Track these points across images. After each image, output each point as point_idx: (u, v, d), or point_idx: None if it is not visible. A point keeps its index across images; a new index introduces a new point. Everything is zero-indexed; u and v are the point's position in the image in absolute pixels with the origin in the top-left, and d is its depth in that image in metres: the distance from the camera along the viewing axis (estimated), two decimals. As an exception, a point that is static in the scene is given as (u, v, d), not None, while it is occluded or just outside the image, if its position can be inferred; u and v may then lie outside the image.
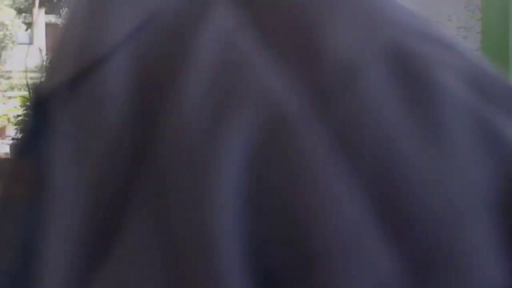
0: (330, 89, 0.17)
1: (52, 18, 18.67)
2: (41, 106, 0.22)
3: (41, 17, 17.18)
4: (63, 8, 13.46)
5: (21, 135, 0.23)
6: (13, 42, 17.79)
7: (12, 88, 14.57)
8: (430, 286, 0.17)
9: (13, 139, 9.63)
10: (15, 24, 18.08)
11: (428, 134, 0.16)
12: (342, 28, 0.18)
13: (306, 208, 0.16)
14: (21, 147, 0.22)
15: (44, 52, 13.39)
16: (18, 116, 9.34)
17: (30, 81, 0.25)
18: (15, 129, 9.58)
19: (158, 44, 0.18)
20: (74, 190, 0.19)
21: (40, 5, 10.00)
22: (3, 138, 10.33)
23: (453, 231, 0.16)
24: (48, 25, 19.94)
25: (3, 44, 17.54)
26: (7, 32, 17.72)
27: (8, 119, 9.86)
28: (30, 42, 10.50)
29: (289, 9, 0.18)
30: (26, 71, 8.64)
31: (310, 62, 0.17)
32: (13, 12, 16.98)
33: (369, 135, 0.16)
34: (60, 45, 0.22)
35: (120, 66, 0.18)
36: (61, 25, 0.25)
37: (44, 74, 0.23)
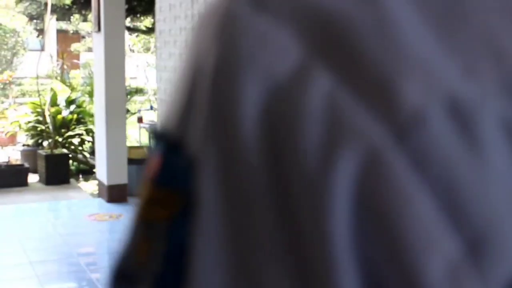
0: (404, 127, 0.24)
1: (63, 25, 18.70)
2: (177, 146, 0.28)
3: (52, 24, 17.25)
4: (74, 15, 13.50)
5: (156, 169, 0.29)
6: (24, 49, 17.88)
7: (23, 95, 14.61)
8: (482, 261, 0.24)
9: (23, 145, 9.66)
10: (27, 31, 18.17)
11: (476, 163, 0.24)
12: (411, 75, 0.24)
13: (401, 224, 0.24)
14: (159, 179, 0.29)
15: (55, 58, 13.43)
16: (29, 122, 9.36)
17: (159, 127, 0.31)
18: (26, 135, 9.60)
19: (278, 102, 0.25)
20: (219, 217, 0.26)
21: (52, 12, 10.04)
22: (14, 145, 10.35)
23: (494, 222, 0.24)
24: (59, 32, 19.99)
25: (14, 51, 17.62)
26: (19, 39, 17.80)
27: (19, 126, 9.87)
28: (42, 49, 10.52)
29: (369, 65, 0.25)
30: (37, 78, 8.67)
31: (388, 104, 0.24)
32: (24, 19, 17.06)
33: (437, 164, 0.24)
34: (189, 93, 0.28)
35: (250, 118, 0.25)
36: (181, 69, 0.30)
37: (172, 118, 0.29)
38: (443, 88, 0.24)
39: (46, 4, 10.71)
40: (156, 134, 0.30)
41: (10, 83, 14.71)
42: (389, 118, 0.24)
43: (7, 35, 17.49)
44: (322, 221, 0.24)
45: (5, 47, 17.39)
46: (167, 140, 0.29)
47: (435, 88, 0.24)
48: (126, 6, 7.20)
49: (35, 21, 17.37)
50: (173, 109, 0.29)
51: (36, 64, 8.46)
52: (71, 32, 18.49)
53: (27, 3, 14.48)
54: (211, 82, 0.27)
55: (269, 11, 0.26)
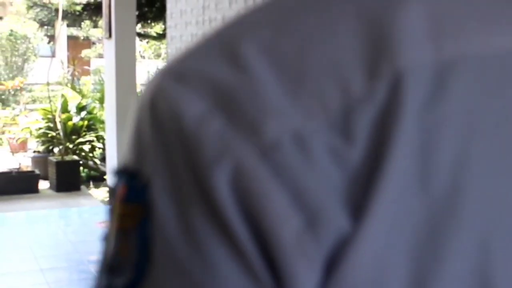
0: (266, 149, 0.38)
1: (74, 31, 18.77)
2: (136, 175, 0.42)
3: (63, 30, 17.29)
4: (85, 21, 13.51)
5: (123, 193, 0.43)
6: (35, 55, 17.95)
7: (34, 101, 14.65)
8: (316, 231, 0.37)
9: (34, 152, 9.67)
10: (38, 37, 18.23)
11: (311, 170, 0.38)
12: (271, 118, 0.39)
13: (261, 207, 0.37)
14: (126, 198, 0.42)
15: (65, 64, 13.45)
16: (40, 129, 9.36)
17: (124, 164, 0.45)
18: (37, 142, 9.60)
19: (188, 136, 0.39)
20: (167, 212, 0.40)
21: (63, 18, 10.04)
22: (25, 151, 10.35)
23: (322, 206, 0.37)
24: (70, 38, 20.06)
25: (25, 57, 17.69)
26: (30, 45, 17.87)
27: (30, 132, 9.88)
28: (52, 55, 10.54)
29: (245, 113, 0.39)
30: (48, 84, 8.67)
31: (256, 136, 0.38)
32: (35, 25, 17.12)
33: (287, 172, 0.38)
34: (137, 139, 0.44)
35: (173, 149, 0.40)
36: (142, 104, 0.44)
37: (130, 158, 0.44)
38: (291, 126, 0.38)
39: (57, 10, 10.73)
40: (119, 171, 0.44)
41: (21, 89, 14.77)
42: (256, 144, 0.38)
43: (18, 41, 17.57)
44: (215, 200, 0.38)
45: (16, 53, 17.47)
46: (128, 172, 0.43)
47: (286, 126, 0.38)
48: (137, 12, 7.19)
49: (46, 27, 17.44)
50: (129, 152, 0.44)
51: (47, 70, 8.47)
52: (82, 38, 18.55)
53: (38, 9, 14.52)
54: (149, 130, 0.42)
55: (185, 82, 0.41)
